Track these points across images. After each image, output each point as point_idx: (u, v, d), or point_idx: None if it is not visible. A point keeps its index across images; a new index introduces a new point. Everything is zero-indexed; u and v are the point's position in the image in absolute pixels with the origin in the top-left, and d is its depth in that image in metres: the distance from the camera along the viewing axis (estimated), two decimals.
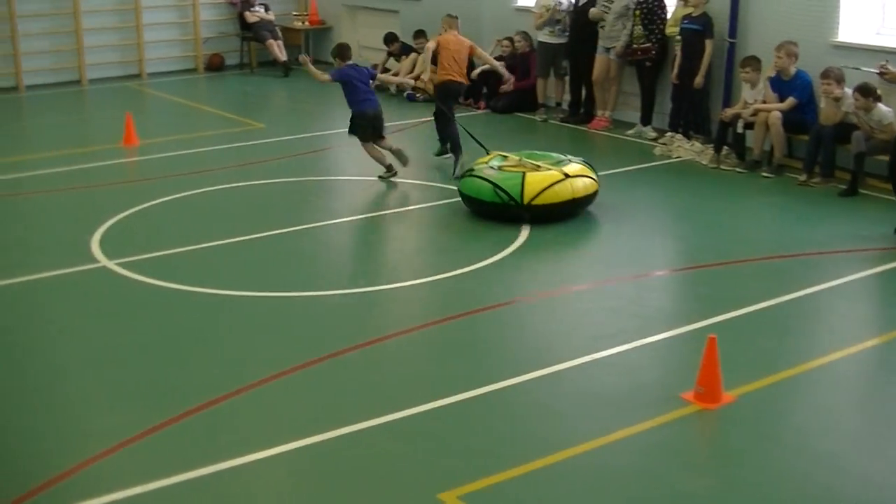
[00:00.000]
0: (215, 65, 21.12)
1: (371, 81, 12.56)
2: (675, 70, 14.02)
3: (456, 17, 13.85)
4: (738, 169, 13.01)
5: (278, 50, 20.40)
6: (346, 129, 12.60)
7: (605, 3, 14.98)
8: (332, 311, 8.81)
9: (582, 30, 15.42)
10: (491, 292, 9.10)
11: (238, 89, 19.63)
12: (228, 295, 8.98)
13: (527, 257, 10.01)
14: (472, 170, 11.20)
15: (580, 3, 15.45)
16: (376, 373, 7.60)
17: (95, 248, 10.08)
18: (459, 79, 13.40)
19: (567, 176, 10.86)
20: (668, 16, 14.62)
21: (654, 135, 14.53)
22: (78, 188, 12.51)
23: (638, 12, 14.62)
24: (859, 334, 8.32)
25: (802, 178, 12.43)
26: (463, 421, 6.88)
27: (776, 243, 10.36)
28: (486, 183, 10.85)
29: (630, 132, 14.92)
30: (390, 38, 18.42)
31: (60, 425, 6.88)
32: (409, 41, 18.04)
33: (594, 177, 11.18)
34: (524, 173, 10.86)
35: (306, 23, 21.43)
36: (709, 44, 13.71)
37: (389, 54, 18.52)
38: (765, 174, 12.75)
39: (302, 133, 15.43)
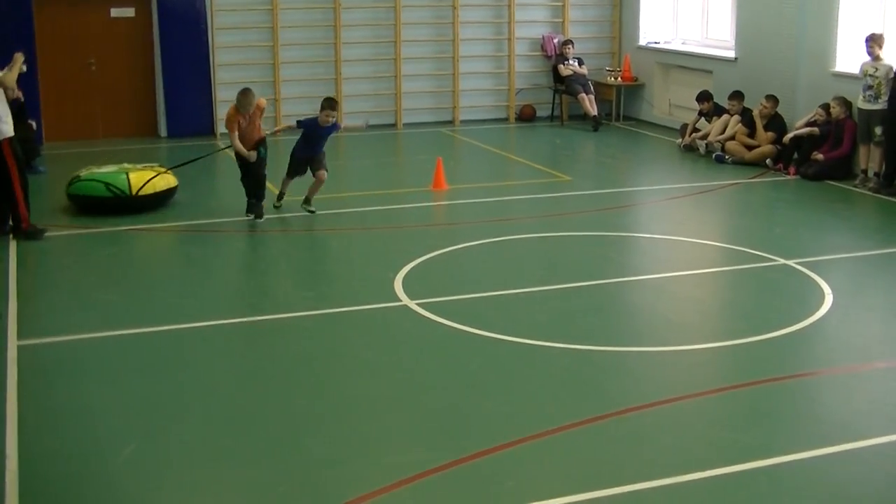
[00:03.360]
0: (527, 115, 21.56)
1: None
2: None
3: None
4: None
5: (590, 104, 20.60)
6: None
7: None
8: (628, 367, 8.83)
9: None
10: (791, 361, 8.91)
11: (548, 141, 19.94)
12: (525, 343, 9.12)
13: (830, 329, 9.73)
14: (80, 177, 13.68)
15: None
16: (667, 433, 7.54)
17: (398, 286, 10.46)
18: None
19: (164, 171, 14.06)
20: None
21: None
22: (387, 228, 13.05)
23: None
24: None
25: None
26: (749, 491, 6.72)
27: None
28: (95, 183, 13.48)
29: None
30: (703, 97, 18.33)
31: (350, 455, 7.16)
32: (723, 101, 17.89)
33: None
34: (127, 172, 13.67)
35: (619, 79, 21.57)
36: None
37: (701, 113, 18.42)
38: None
39: (608, 188, 15.54)
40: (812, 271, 11.27)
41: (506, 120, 21.53)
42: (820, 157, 15.98)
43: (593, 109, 20.63)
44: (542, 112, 21.75)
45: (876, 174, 15.62)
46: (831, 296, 10.45)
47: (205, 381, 8.47)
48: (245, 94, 13.14)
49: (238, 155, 13.22)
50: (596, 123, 20.53)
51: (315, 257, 12.41)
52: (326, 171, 13.33)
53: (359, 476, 6.84)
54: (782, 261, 11.65)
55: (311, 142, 13.29)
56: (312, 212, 13.38)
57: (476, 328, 9.39)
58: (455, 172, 15.87)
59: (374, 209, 13.90)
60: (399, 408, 7.94)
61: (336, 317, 9.83)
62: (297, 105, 19.39)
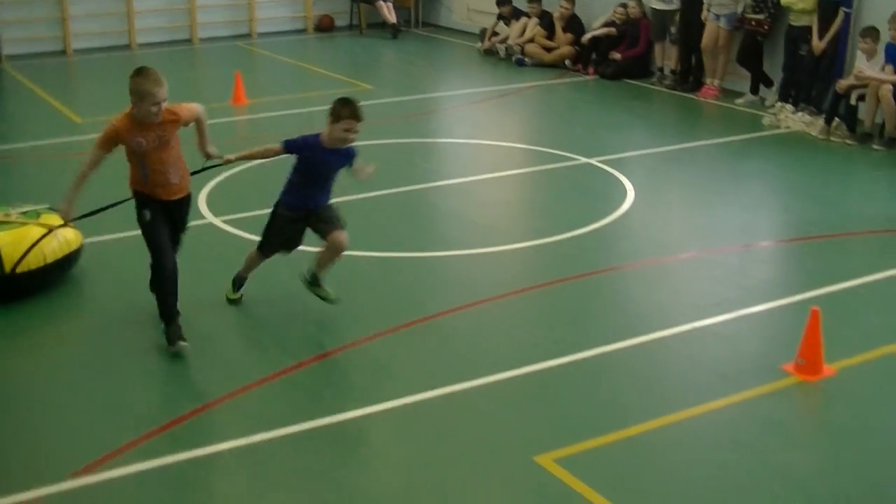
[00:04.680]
0: (325, 26, 21.30)
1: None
2: (815, 40, 13.68)
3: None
4: (848, 141, 12.79)
5: (388, 12, 20.47)
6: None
7: None
8: (437, 272, 8.89)
9: None
10: (596, 257, 9.10)
11: (348, 50, 19.76)
12: None
13: (632, 224, 9.97)
14: None
15: None
16: (477, 334, 7.64)
17: (202, 204, 10.24)
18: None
19: (50, 229, 8.21)
20: None
21: (773, 102, 14.28)
22: (187, 145, 12.70)
23: None
24: None
25: None
26: (562, 385, 6.90)
27: (885, 218, 10.18)
28: None
29: (739, 101, 14.75)
30: (503, 1, 18.36)
31: (158, 377, 7.06)
32: (522, 5, 17.98)
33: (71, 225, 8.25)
34: None
35: None
36: (841, 12, 13.45)
37: (500, 17, 18.48)
38: (876, 147, 12.53)
39: (410, 95, 15.51)
40: (614, 169, 11.51)
41: (304, 31, 21.23)
42: (617, 56, 16.28)
43: (392, 17, 20.51)
44: (341, 21, 21.52)
45: (672, 71, 16.01)
46: (633, 192, 10.71)
47: None
48: (142, 75, 7.02)
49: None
50: (395, 31, 20.44)
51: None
52: (345, 229, 7.76)
53: (170, 398, 6.78)
54: (584, 159, 11.85)
55: (313, 181, 7.73)
56: (331, 300, 7.89)
57: None
58: (254, 86, 15.58)
59: None
60: (209, 322, 7.81)
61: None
62: (86, 23, 18.74)
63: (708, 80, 15.40)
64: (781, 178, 11.65)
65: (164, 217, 7.35)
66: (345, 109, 7.45)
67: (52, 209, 8.51)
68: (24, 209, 8.68)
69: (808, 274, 8.87)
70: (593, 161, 11.78)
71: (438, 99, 15.42)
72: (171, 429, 6.33)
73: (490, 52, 18.32)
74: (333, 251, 7.70)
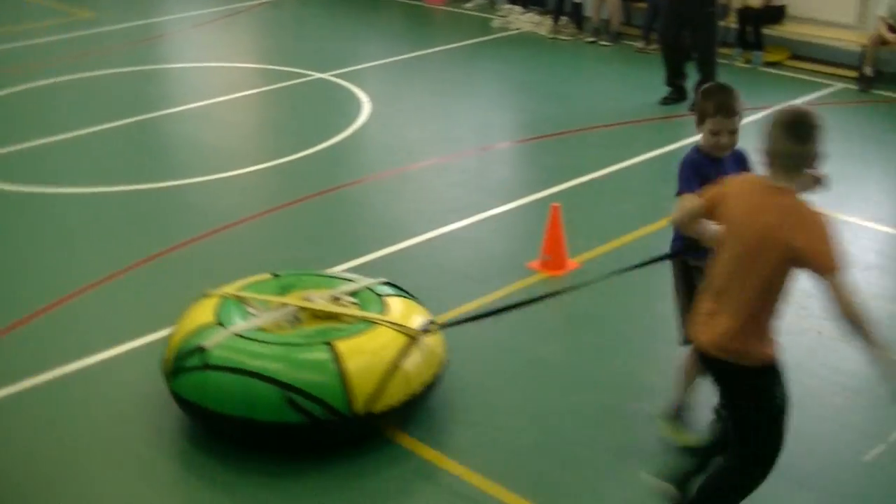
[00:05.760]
0: None
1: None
2: None
3: None
4: (576, 38, 13.06)
5: None
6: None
7: None
8: (177, 202, 8.62)
9: None
10: (337, 172, 9.03)
11: None
12: (67, 193, 8.70)
13: (371, 136, 9.93)
14: (205, 350, 5.20)
15: None
16: (222, 261, 7.45)
17: None
18: None
19: (412, 337, 5.33)
20: None
21: (502, 4, 14.42)
22: None
23: None
24: None
25: (640, 45, 12.55)
26: None
27: (616, 111, 10.46)
28: (258, 383, 5.06)
29: (468, 5, 14.85)
30: None
31: None
32: None
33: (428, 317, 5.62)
34: (330, 343, 5.19)
35: None
36: None
37: None
38: (603, 43, 12.83)
39: (135, 20, 14.93)
40: (348, 82, 11.42)
41: None
42: None
43: None
44: None
45: None
46: (369, 104, 10.66)
47: None
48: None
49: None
50: None
51: None
52: None
53: None
54: (318, 75, 11.73)
55: None
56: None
57: (13, 184, 8.86)
58: None
59: None
60: None
61: None
62: None
63: None
64: (514, 78, 11.81)
65: None
66: (708, 103, 4.98)
67: (391, 284, 5.91)
68: (350, 285, 5.80)
69: (546, 171, 9.03)
70: (326, 76, 11.66)
71: (165, 23, 14.92)
72: None
73: None
74: None
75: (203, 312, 5.51)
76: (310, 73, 11.79)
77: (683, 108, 10.41)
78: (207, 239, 7.77)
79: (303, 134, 9.98)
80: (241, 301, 5.63)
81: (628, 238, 7.61)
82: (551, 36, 13.17)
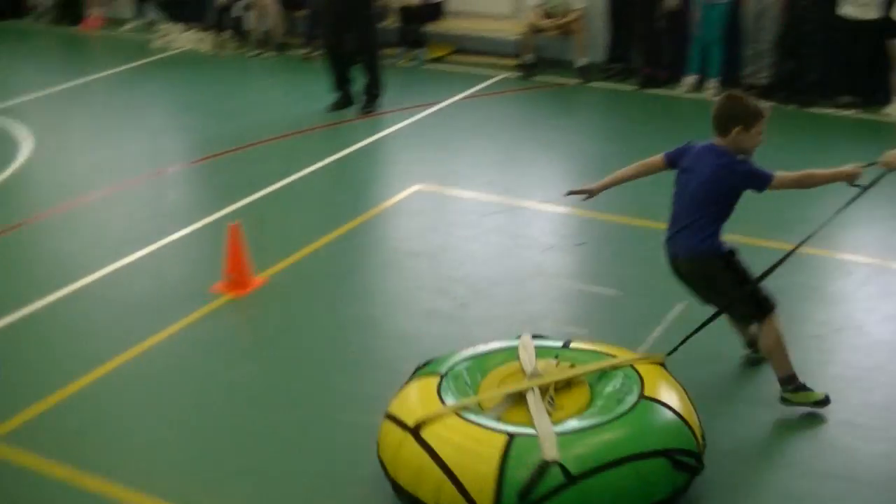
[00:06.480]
0: None
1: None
2: None
3: None
4: (240, 52, 12.93)
5: None
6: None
7: None
8: None
9: None
10: (4, 213, 8.56)
11: None
12: None
13: (35, 173, 9.48)
14: (552, 464, 4.31)
15: None
16: None
17: None
18: None
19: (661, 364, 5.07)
20: None
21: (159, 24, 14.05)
22: None
23: None
24: (383, 194, 8.55)
25: (304, 51, 12.55)
26: None
27: (286, 122, 10.40)
28: (644, 463, 4.43)
29: (126, 28, 14.46)
30: None
31: None
32: None
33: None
34: (643, 394, 4.72)
35: None
36: None
37: None
38: (267, 54, 12.75)
39: None
40: (7, 117, 10.89)
41: None
42: None
43: None
44: None
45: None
46: (31, 139, 10.18)
47: None
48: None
49: None
50: None
51: None
52: None
53: None
54: None
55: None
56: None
57: None
58: None
59: None
60: None
61: None
62: None
63: (91, 11, 14.90)
64: (181, 99, 11.57)
65: None
66: (756, 110, 5.26)
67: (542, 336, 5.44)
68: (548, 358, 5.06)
69: (222, 190, 8.86)
70: None
71: None
72: None
73: None
74: None
75: (487, 445, 4.40)
76: None
77: (351, 113, 10.48)
78: None
79: None
80: (478, 407, 4.72)
81: (312, 247, 7.55)
82: (214, 52, 12.98)
